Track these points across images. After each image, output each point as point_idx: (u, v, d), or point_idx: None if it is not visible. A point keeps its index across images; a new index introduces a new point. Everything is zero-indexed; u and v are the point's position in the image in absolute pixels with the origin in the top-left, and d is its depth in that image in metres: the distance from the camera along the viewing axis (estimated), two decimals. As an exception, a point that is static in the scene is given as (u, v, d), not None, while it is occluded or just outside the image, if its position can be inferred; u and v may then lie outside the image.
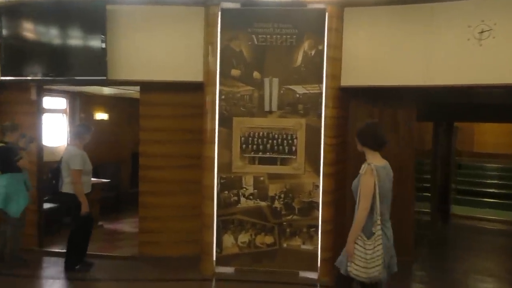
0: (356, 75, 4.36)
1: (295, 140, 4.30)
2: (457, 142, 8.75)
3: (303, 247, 4.30)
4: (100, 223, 6.01)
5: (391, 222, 2.93)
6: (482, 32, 3.89)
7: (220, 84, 4.30)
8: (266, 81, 4.29)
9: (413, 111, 4.89)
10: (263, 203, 4.34)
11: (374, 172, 2.80)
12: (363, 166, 2.85)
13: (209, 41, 4.32)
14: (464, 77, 4.01)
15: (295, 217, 4.31)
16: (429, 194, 7.38)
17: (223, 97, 4.31)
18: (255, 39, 4.28)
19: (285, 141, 4.32)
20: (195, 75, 4.43)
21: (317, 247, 4.27)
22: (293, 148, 4.31)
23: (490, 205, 8.30)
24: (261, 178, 4.33)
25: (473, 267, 4.97)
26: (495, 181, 9.26)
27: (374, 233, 2.77)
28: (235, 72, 4.31)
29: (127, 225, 6.13)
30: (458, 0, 3.99)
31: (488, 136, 10.28)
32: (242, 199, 4.35)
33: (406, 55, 4.20)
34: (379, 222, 2.80)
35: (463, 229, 7.12)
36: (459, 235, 6.79)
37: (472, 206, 8.22)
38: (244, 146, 4.32)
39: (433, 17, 4.09)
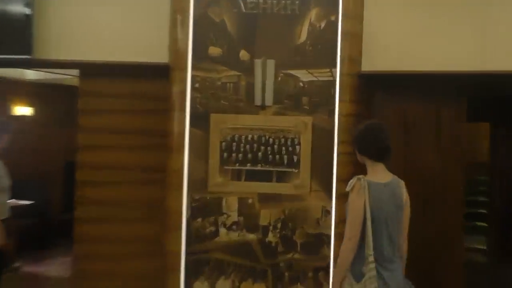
0: (383, 57, 4.51)
1: (297, 147, 4.39)
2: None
3: (308, 298, 4.30)
4: (17, 264, 5.94)
5: (402, 262, 3.15)
6: None
7: (193, 68, 4.37)
8: (258, 63, 4.37)
9: (462, 109, 5.01)
10: (251, 236, 4.40)
11: (364, 189, 2.95)
12: (351, 181, 3.04)
13: (177, 8, 4.41)
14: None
15: (297, 255, 4.37)
16: (486, 224, 7.46)
17: (197, 85, 4.38)
18: (242, 6, 4.38)
19: (283, 148, 4.40)
20: (157, 55, 4.50)
21: (328, 299, 4.30)
22: (295, 157, 4.39)
23: None
24: (250, 201, 4.38)
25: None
26: None
27: (364, 274, 2.90)
28: (214, 51, 4.39)
29: (55, 268, 6.08)
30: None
31: None
32: (222, 230, 4.40)
33: (451, 31, 4.36)
34: (371, 259, 2.93)
35: None
36: None
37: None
38: (225, 155, 4.39)
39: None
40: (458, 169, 4.95)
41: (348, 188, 3.04)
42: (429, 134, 4.84)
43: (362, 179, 3.01)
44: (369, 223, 2.94)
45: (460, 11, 4.32)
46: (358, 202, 2.97)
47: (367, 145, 3.12)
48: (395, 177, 3.17)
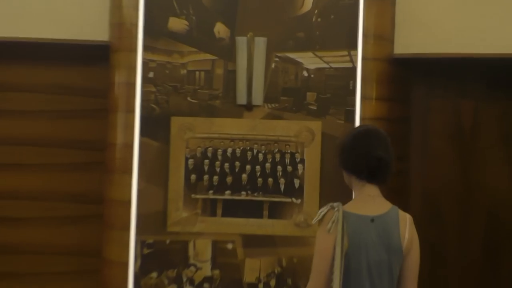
0: (425, 36, 4.61)
1: (300, 166, 4.39)
2: None
3: None
4: None
5: None
6: None
7: (145, 48, 4.37)
8: (242, 42, 4.37)
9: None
10: None
11: (337, 223, 2.91)
12: (322, 209, 3.01)
13: None
14: None
15: None
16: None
17: (151, 75, 4.37)
18: None
19: (279, 168, 4.38)
20: (93, 30, 4.50)
21: None
22: (297, 181, 4.40)
23: None
24: (229, 246, 4.38)
25: None
26: None
27: None
28: (176, 24, 4.39)
29: None
30: None
31: None
32: None
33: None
34: None
35: None
36: None
37: None
38: (193, 177, 4.37)
39: None
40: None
41: (315, 220, 2.99)
42: (491, 143, 5.01)
43: (337, 208, 2.93)
44: (338, 267, 2.86)
45: None
46: (326, 242, 2.91)
47: (353, 159, 3.03)
48: (395, 208, 3.07)
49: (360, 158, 2.99)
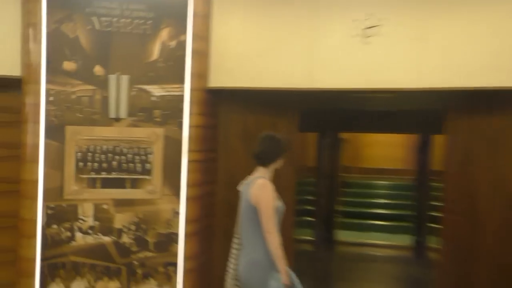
0: (228, 74, 4.72)
1: (150, 156, 4.50)
2: (343, 157, 9.79)
3: (159, 291, 4.49)
4: None
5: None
6: (368, 28, 4.39)
7: (48, 81, 4.32)
8: (112, 78, 4.40)
9: (295, 120, 5.43)
10: (106, 239, 4.47)
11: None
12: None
13: (29, 22, 4.33)
14: (349, 80, 4.52)
15: (149, 254, 4.53)
16: (312, 219, 8.08)
17: (51, 98, 4.34)
18: (96, 23, 4.39)
19: (137, 157, 4.48)
20: (9, 67, 4.38)
21: (177, 291, 4.48)
22: (148, 165, 4.50)
23: (380, 229, 9.55)
24: (105, 206, 4.44)
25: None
26: (385, 201, 10.73)
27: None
28: (68, 65, 4.36)
29: None
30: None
31: (378, 149, 11.76)
32: (78, 235, 4.43)
33: (287, 52, 4.62)
34: (233, 240, 3.52)
35: (348, 257, 8.26)
36: (345, 266, 7.81)
37: (360, 231, 9.41)
38: (81, 164, 4.41)
39: (317, 8, 4.54)
40: (291, 173, 5.25)
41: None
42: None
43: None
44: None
45: (294, 36, 4.58)
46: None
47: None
48: (259, 177, 3.53)
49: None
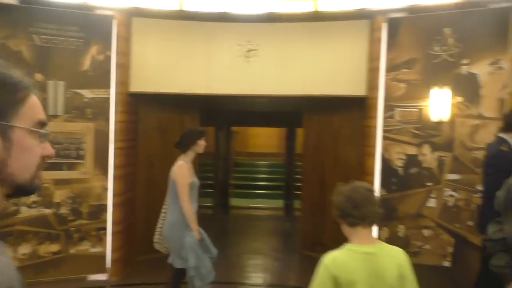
0: (145, 82, 4.80)
1: (83, 145, 4.52)
2: (235, 144, 10.16)
3: (92, 250, 4.55)
4: None
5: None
6: (249, 51, 4.75)
7: None
8: (50, 83, 4.36)
9: (197, 117, 5.66)
10: (47, 211, 4.43)
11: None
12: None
13: None
14: (236, 88, 4.85)
15: (83, 221, 4.59)
16: (212, 190, 8.33)
17: None
18: (37, 39, 4.29)
19: (72, 146, 4.47)
20: None
21: (106, 249, 4.53)
22: (82, 152, 4.52)
23: (261, 196, 10.02)
24: (46, 185, 4.39)
25: (247, 249, 6.04)
26: (265, 176, 11.20)
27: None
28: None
29: None
30: (230, 22, 4.79)
31: (260, 138, 12.31)
32: (24, 209, 4.36)
33: (191, 66, 4.82)
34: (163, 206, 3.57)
35: (240, 218, 8.54)
36: (237, 224, 8.18)
37: (247, 198, 9.74)
38: None
39: (212, 34, 4.80)
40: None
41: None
42: (177, 133, 5.16)
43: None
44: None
45: (195, 54, 4.74)
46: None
47: None
48: (179, 160, 3.51)
49: None
